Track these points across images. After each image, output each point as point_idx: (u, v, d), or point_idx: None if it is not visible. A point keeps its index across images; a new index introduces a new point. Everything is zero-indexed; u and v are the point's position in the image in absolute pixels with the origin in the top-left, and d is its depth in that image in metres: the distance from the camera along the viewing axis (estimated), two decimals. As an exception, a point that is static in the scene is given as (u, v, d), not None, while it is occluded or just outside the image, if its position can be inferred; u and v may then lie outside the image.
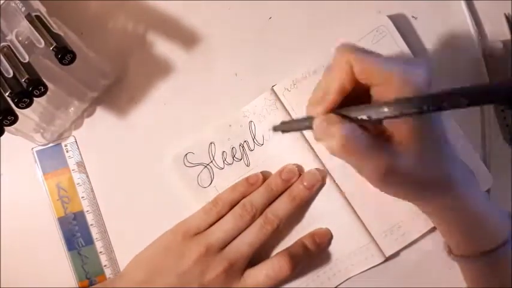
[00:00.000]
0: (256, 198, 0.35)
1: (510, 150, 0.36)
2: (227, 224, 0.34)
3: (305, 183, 0.35)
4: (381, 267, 0.35)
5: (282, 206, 0.34)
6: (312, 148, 0.36)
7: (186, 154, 0.36)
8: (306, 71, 0.36)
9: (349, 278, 0.35)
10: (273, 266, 0.34)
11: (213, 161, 0.36)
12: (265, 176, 0.36)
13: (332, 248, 0.35)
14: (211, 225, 0.35)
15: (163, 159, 0.37)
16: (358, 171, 0.27)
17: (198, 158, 0.36)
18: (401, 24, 0.37)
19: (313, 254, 0.35)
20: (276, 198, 0.35)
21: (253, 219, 0.34)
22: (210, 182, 0.36)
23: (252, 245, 0.33)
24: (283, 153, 0.36)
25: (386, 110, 0.23)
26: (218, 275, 0.33)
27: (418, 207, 0.32)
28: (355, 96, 0.27)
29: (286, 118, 0.36)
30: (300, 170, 0.36)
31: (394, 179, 0.27)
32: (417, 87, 0.25)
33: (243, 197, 0.35)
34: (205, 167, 0.36)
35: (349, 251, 0.35)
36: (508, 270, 0.29)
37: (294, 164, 0.36)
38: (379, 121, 0.27)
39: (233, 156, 0.36)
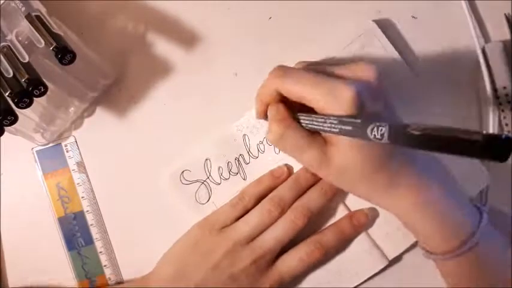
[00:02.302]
0: (285, 192, 0.34)
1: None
2: (255, 219, 0.34)
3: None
4: (385, 273, 0.35)
5: (313, 201, 0.34)
6: None
7: (183, 172, 0.36)
8: None
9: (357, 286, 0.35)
10: (306, 250, 0.33)
11: (210, 177, 0.36)
12: (289, 168, 0.36)
13: (335, 258, 0.35)
14: (237, 219, 0.35)
15: (159, 178, 0.37)
16: (299, 162, 0.32)
17: (195, 175, 0.36)
18: (388, 29, 0.37)
19: (349, 237, 0.35)
20: (305, 192, 0.35)
21: (281, 214, 0.34)
22: (208, 199, 0.36)
23: (280, 240, 0.33)
24: (279, 163, 0.36)
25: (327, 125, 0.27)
26: (247, 267, 0.33)
27: (376, 205, 0.32)
28: None
29: None
30: None
31: (330, 172, 0.30)
32: (342, 109, 0.27)
33: (269, 190, 0.35)
34: (203, 183, 0.36)
35: (352, 259, 0.35)
36: (481, 267, 0.29)
37: None
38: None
39: (229, 171, 0.36)
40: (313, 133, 0.30)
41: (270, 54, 0.38)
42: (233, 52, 0.38)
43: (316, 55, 0.36)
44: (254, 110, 0.35)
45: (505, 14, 0.37)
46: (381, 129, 0.23)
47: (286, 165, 0.36)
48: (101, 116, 0.38)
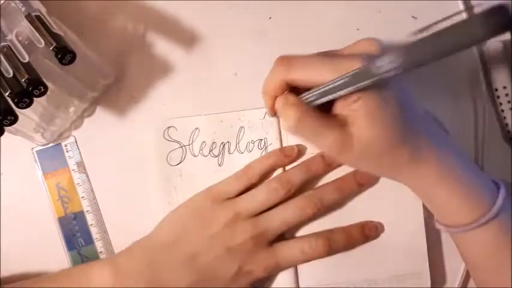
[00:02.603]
0: (295, 175, 0.34)
1: (509, 150, 0.36)
2: (260, 195, 0.34)
3: (358, 178, 0.35)
4: None
5: (326, 195, 0.34)
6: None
7: (169, 127, 0.36)
8: None
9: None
10: (310, 244, 0.33)
11: (190, 146, 0.36)
12: (301, 149, 0.36)
13: (387, 264, 0.35)
14: (241, 192, 0.34)
15: (155, 191, 0.37)
16: (318, 148, 0.31)
17: (178, 136, 0.36)
18: None
19: (357, 244, 0.35)
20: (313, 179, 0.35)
21: (287, 195, 0.34)
22: (178, 163, 0.36)
23: (285, 223, 0.33)
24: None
25: (341, 84, 0.26)
26: (246, 241, 0.33)
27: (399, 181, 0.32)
28: None
29: (275, 141, 0.36)
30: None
31: (352, 154, 0.29)
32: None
33: (275, 168, 0.35)
34: (181, 147, 0.36)
35: (402, 273, 0.34)
36: (502, 238, 0.29)
37: None
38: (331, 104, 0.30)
39: (210, 151, 0.36)
40: (330, 116, 0.29)
41: (270, 54, 0.37)
42: (233, 52, 0.38)
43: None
44: (260, 110, 0.35)
45: (504, 14, 0.37)
46: (387, 57, 0.23)
47: (298, 145, 0.36)
48: (101, 116, 0.38)
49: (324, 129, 0.29)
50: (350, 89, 0.26)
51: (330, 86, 0.27)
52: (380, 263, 0.35)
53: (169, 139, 0.36)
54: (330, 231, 0.35)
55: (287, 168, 0.36)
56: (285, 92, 0.31)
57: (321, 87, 0.28)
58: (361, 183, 0.35)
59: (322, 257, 0.34)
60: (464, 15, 0.36)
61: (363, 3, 0.37)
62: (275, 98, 0.31)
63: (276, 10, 0.38)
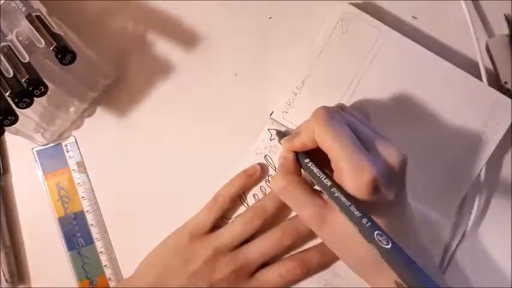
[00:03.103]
0: (268, 204, 0.34)
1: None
2: (236, 228, 0.34)
3: None
4: None
5: (303, 225, 0.33)
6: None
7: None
8: (295, 86, 0.36)
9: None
10: (287, 266, 0.33)
11: (247, 205, 0.36)
12: (263, 167, 0.36)
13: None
14: (216, 222, 0.35)
15: (155, 191, 0.37)
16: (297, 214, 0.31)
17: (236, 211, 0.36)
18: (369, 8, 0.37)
19: (333, 259, 0.34)
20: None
21: (263, 224, 0.34)
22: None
23: (264, 254, 0.33)
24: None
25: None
26: (227, 276, 0.33)
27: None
28: None
29: None
30: None
31: (325, 235, 0.30)
32: (357, 188, 0.27)
33: (242, 191, 0.35)
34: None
35: None
36: None
37: None
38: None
39: (265, 194, 0.36)
40: (316, 192, 0.30)
41: (270, 54, 0.38)
42: (233, 52, 0.38)
43: (310, 53, 0.36)
44: (263, 132, 0.36)
45: (504, 14, 0.37)
46: (384, 242, 0.24)
47: (259, 163, 0.36)
48: (101, 116, 0.38)
49: (303, 203, 0.30)
50: (342, 210, 0.27)
51: (326, 190, 0.28)
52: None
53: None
54: (304, 251, 0.34)
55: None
56: (289, 152, 0.31)
57: (321, 176, 0.28)
58: None
59: (301, 278, 0.34)
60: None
61: (362, 3, 0.37)
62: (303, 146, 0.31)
63: (276, 10, 0.38)
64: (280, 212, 0.35)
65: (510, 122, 0.35)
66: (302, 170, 0.31)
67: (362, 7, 0.36)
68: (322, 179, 0.28)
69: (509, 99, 0.35)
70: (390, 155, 0.28)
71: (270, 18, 0.38)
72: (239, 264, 0.33)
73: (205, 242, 0.34)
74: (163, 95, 0.38)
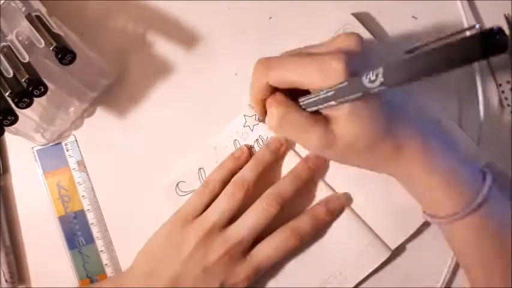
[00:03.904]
0: (246, 173, 0.34)
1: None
2: (221, 205, 0.34)
3: (309, 164, 0.34)
4: (389, 265, 0.35)
5: (284, 187, 0.34)
6: (300, 156, 0.35)
7: (178, 183, 0.36)
8: None
9: (361, 280, 0.35)
10: (281, 237, 0.33)
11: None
12: (249, 148, 0.36)
13: (338, 252, 0.35)
14: (207, 207, 0.34)
15: (155, 191, 0.37)
16: (302, 146, 0.32)
17: (190, 186, 0.36)
18: (367, 21, 0.37)
19: (325, 223, 0.34)
20: (267, 172, 0.35)
21: (246, 195, 0.33)
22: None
23: (253, 229, 0.33)
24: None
25: (331, 100, 0.27)
26: (220, 257, 0.32)
27: (385, 173, 0.32)
28: None
29: (269, 131, 0.36)
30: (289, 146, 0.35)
31: (336, 150, 0.29)
32: (336, 80, 0.26)
33: (232, 174, 0.35)
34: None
35: (355, 252, 0.35)
36: (487, 229, 0.29)
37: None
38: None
39: None
40: (315, 113, 0.30)
41: (270, 54, 0.37)
42: (233, 52, 0.38)
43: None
44: (239, 117, 0.36)
45: (504, 15, 0.37)
46: (376, 72, 0.23)
47: (246, 145, 0.36)
48: (101, 116, 0.38)
49: (307, 127, 0.29)
50: (340, 100, 0.26)
51: (318, 98, 0.28)
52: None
53: (184, 193, 0.36)
54: (296, 219, 0.34)
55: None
56: (275, 93, 0.31)
57: (309, 97, 0.29)
58: (311, 168, 0.34)
59: (296, 246, 0.33)
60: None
61: (363, 3, 0.37)
62: (263, 101, 0.31)
63: (276, 10, 0.38)
64: (261, 180, 0.34)
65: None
66: None
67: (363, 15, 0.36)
68: (314, 95, 0.28)
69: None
70: (343, 40, 0.28)
71: (270, 18, 0.38)
72: (231, 243, 0.33)
73: (195, 226, 0.34)
74: (163, 95, 0.38)
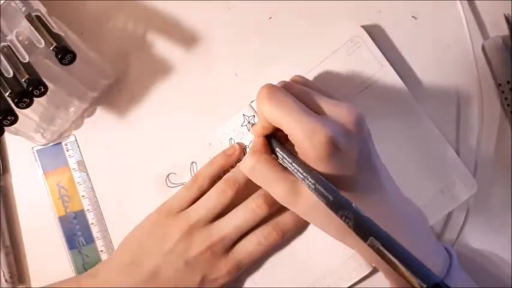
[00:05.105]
0: (239, 172, 0.33)
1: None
2: (210, 201, 0.33)
3: None
4: (371, 280, 0.34)
5: None
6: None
7: (168, 175, 0.36)
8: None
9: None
10: (263, 233, 0.33)
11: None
12: (242, 146, 0.36)
13: (318, 263, 0.35)
14: (194, 202, 0.34)
15: (144, 181, 0.37)
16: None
17: (180, 178, 0.36)
18: (376, 35, 0.37)
19: (305, 222, 0.34)
20: None
21: (237, 194, 0.33)
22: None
23: (239, 228, 0.33)
24: None
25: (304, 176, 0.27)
26: (203, 252, 0.32)
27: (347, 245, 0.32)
28: None
29: None
30: None
31: (300, 209, 0.30)
32: (316, 152, 0.27)
33: (222, 171, 0.35)
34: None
35: (336, 264, 0.34)
36: None
37: None
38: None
39: None
40: (286, 169, 0.30)
41: (270, 54, 0.38)
42: (233, 52, 0.38)
43: (310, 58, 0.36)
44: (238, 116, 0.36)
45: (504, 15, 0.37)
46: (349, 218, 0.24)
47: (238, 143, 0.36)
48: (101, 116, 0.38)
49: (273, 182, 0.30)
50: (309, 188, 0.27)
51: (292, 166, 0.28)
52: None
53: (174, 185, 0.36)
54: (279, 215, 0.34)
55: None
56: (259, 138, 0.31)
57: (286, 155, 0.29)
58: None
59: (278, 242, 0.33)
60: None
61: (363, 3, 0.37)
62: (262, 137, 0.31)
63: (276, 10, 0.38)
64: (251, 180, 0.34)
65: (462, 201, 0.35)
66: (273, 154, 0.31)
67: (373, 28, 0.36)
68: (286, 155, 0.29)
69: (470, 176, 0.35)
70: (342, 114, 0.28)
71: (270, 18, 0.38)
72: (214, 239, 0.32)
73: (180, 218, 0.33)
74: (163, 95, 0.38)
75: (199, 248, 0.32)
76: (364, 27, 0.36)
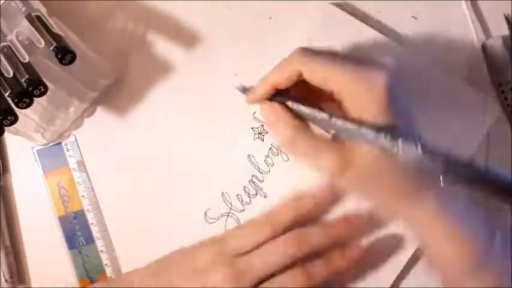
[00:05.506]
0: (315, 236, 0.31)
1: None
2: (271, 256, 0.30)
3: (348, 224, 0.33)
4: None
5: (315, 238, 0.31)
6: None
7: (205, 212, 0.36)
8: None
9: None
10: (288, 278, 0.30)
11: (232, 207, 0.36)
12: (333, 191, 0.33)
13: None
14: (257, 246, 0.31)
15: (144, 181, 0.36)
16: (315, 167, 0.28)
17: (218, 211, 0.36)
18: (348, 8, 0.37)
19: (340, 270, 0.31)
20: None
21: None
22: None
23: (267, 264, 0.30)
24: (292, 169, 0.36)
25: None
26: (223, 280, 0.30)
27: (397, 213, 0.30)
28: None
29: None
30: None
31: (354, 175, 0.27)
32: (374, 102, 0.25)
33: (301, 217, 0.32)
34: (228, 216, 0.36)
35: None
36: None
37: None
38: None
39: (248, 195, 0.36)
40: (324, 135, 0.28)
41: (270, 54, 0.37)
42: (233, 52, 0.38)
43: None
44: (246, 132, 0.35)
45: (504, 15, 0.37)
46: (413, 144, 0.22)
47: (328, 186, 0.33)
48: (101, 116, 0.38)
49: (320, 148, 0.27)
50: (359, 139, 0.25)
51: (343, 127, 0.26)
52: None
53: (214, 219, 0.36)
54: (311, 263, 0.31)
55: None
56: (272, 102, 0.28)
57: (328, 118, 0.26)
58: (349, 229, 0.32)
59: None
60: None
61: (363, 3, 0.37)
62: (275, 89, 0.28)
63: (276, 10, 0.38)
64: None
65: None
66: None
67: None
68: (319, 113, 0.26)
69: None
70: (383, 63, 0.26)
71: (270, 18, 0.38)
72: (238, 270, 0.30)
73: (215, 244, 0.32)
74: (163, 95, 0.38)
75: (220, 277, 0.30)
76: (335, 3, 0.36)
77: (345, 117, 0.25)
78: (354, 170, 0.26)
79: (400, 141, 0.23)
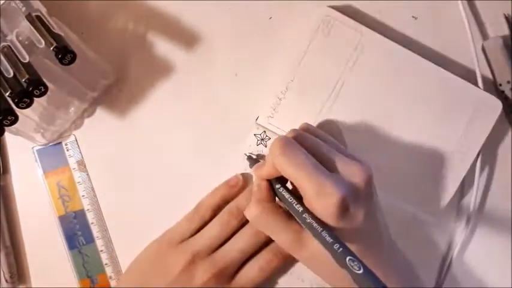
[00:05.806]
0: (243, 202, 0.34)
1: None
2: (213, 231, 0.34)
3: None
4: None
5: None
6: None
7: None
8: (279, 91, 0.36)
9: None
10: (265, 258, 0.33)
11: None
12: (246, 178, 0.36)
13: None
14: (195, 232, 0.34)
15: (144, 181, 0.37)
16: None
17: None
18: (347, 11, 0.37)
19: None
20: None
21: (240, 224, 0.34)
22: None
23: (243, 251, 0.33)
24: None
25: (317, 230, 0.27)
26: (207, 281, 0.32)
27: None
28: None
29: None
30: None
31: (303, 257, 0.30)
32: (326, 210, 0.27)
33: (225, 201, 0.35)
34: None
35: None
36: None
37: None
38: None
39: None
40: (291, 217, 0.30)
41: (270, 55, 0.38)
42: (233, 52, 0.38)
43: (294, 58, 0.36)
44: (248, 137, 0.36)
45: (504, 15, 0.37)
46: (356, 268, 0.24)
47: (242, 174, 0.36)
48: (101, 116, 0.38)
49: (279, 229, 0.30)
50: (315, 236, 0.27)
51: (299, 217, 0.28)
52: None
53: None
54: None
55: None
56: (263, 181, 0.31)
57: (294, 205, 0.29)
58: None
59: (280, 265, 0.34)
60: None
61: (363, 3, 0.37)
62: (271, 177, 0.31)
63: (276, 10, 0.38)
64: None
65: (494, 121, 0.35)
66: (276, 196, 0.31)
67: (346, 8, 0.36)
68: (294, 204, 0.28)
69: (493, 97, 0.35)
70: (354, 174, 0.28)
71: (270, 18, 0.38)
72: (219, 268, 0.33)
73: (183, 248, 0.34)
74: (163, 95, 0.38)
75: (203, 278, 0.32)
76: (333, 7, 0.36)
77: (314, 216, 0.27)
78: (304, 253, 0.30)
79: (347, 259, 0.25)
